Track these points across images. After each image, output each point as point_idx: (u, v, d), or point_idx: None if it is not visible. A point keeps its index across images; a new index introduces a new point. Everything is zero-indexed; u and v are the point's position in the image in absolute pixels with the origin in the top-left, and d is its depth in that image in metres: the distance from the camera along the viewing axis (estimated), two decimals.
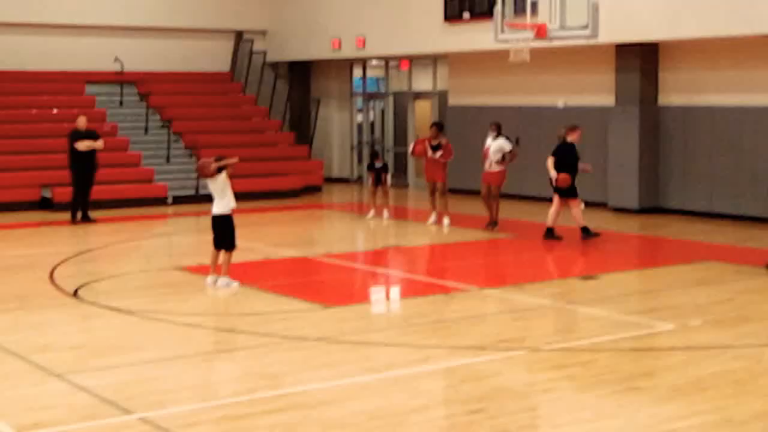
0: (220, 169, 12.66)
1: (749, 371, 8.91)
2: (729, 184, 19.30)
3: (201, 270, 13.43)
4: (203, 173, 12.85)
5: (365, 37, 24.99)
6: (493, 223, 18.28)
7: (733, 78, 19.26)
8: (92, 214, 19.45)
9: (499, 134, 18.12)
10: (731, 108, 19.26)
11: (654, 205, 20.38)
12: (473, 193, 20.61)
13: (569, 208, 16.73)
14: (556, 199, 16.80)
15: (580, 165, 16.79)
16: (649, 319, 10.95)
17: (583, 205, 17.83)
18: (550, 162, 16.57)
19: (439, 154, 18.65)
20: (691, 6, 18.00)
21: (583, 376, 8.75)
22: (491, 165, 18.08)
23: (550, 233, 16.76)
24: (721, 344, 9.88)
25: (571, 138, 16.74)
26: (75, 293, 12.48)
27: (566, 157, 16.58)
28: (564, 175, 16.43)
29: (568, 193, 16.66)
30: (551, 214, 16.82)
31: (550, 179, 16.65)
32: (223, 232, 12.79)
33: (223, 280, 12.74)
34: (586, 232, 16.63)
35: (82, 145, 19.21)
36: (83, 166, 19.31)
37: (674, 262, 14.77)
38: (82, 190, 19.38)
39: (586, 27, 15.86)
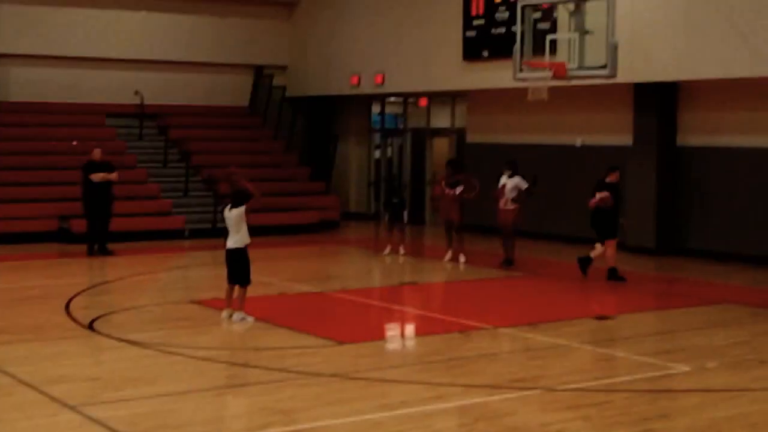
0: (241, 200, 12.70)
1: (766, 415, 8.84)
2: (747, 225, 19.23)
3: (216, 304, 13.43)
4: (231, 180, 12.92)
5: (384, 74, 25.10)
6: (508, 261, 18.27)
7: (752, 119, 19.25)
8: (110, 246, 19.51)
9: (515, 172, 18.15)
10: (749, 149, 19.23)
11: (671, 246, 20.30)
12: (490, 230, 20.60)
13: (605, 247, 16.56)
14: (610, 243, 16.52)
15: (621, 219, 16.77)
16: (665, 361, 10.88)
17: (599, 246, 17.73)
18: (606, 196, 16.36)
19: (459, 189, 18.66)
20: (710, 47, 18.02)
21: (598, 417, 8.69)
22: (507, 203, 18.10)
23: (613, 274, 16.54)
24: (738, 387, 9.81)
25: (610, 179, 16.65)
26: (90, 325, 12.49)
27: (613, 200, 16.50)
28: (605, 193, 16.32)
29: (606, 232, 16.52)
30: (607, 256, 16.58)
31: (602, 226, 16.41)
32: (237, 267, 12.80)
33: (238, 315, 12.75)
34: (613, 274, 16.49)
35: (97, 177, 19.32)
36: (97, 198, 19.41)
37: (691, 304, 14.69)
38: (100, 222, 19.46)
39: (604, 67, 15.90)
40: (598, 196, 16.38)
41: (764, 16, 17.19)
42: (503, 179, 18.23)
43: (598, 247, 16.55)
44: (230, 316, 12.82)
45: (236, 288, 12.82)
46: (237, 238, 12.75)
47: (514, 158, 18.73)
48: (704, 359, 10.92)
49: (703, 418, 8.68)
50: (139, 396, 9.22)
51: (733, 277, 17.45)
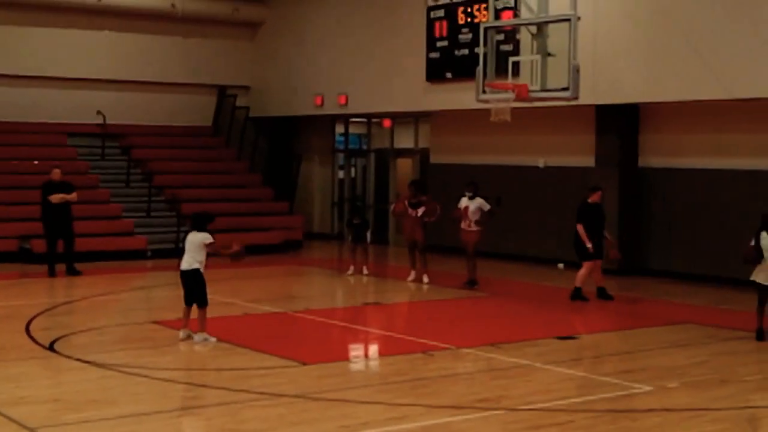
0: (200, 223, 12.76)
1: None
2: (708, 245, 19.39)
3: (178, 325, 13.32)
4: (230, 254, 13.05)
5: (348, 95, 25.14)
6: (471, 282, 18.32)
7: (712, 141, 19.45)
8: (77, 266, 19.39)
9: (475, 194, 18.24)
10: (710, 170, 19.42)
11: (634, 266, 20.42)
12: (453, 251, 20.64)
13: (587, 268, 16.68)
14: (587, 265, 16.64)
15: (612, 252, 16.97)
16: (627, 381, 10.93)
17: (562, 266, 17.85)
18: (581, 229, 16.56)
19: (421, 210, 18.71)
20: (670, 70, 18.20)
21: None
22: (471, 225, 18.18)
23: (576, 294, 16.67)
24: (699, 407, 9.87)
25: (592, 199, 16.78)
26: (51, 346, 12.39)
27: (595, 220, 16.66)
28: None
29: (582, 254, 16.66)
30: (578, 275, 16.73)
31: (581, 247, 16.59)
32: (193, 288, 12.77)
33: (199, 336, 12.70)
34: (577, 293, 16.60)
35: (55, 198, 19.21)
36: (56, 219, 19.28)
37: (653, 324, 14.79)
38: (64, 243, 19.34)
39: (567, 89, 15.99)
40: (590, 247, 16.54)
41: (724, 40, 17.39)
42: (464, 201, 18.32)
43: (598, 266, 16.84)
44: (188, 336, 12.79)
45: (195, 309, 12.79)
46: (191, 259, 12.74)
47: (474, 180, 18.81)
48: (666, 379, 10.98)
49: None
50: (100, 417, 9.14)
51: (695, 297, 17.58)
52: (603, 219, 16.91)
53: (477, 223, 18.20)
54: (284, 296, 18.01)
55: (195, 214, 13.21)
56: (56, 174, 19.59)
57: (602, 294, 16.81)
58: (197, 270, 12.74)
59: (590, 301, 16.57)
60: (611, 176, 20.42)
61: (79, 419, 9.09)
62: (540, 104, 17.80)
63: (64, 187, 19.50)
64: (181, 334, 12.84)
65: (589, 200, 16.80)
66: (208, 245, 12.71)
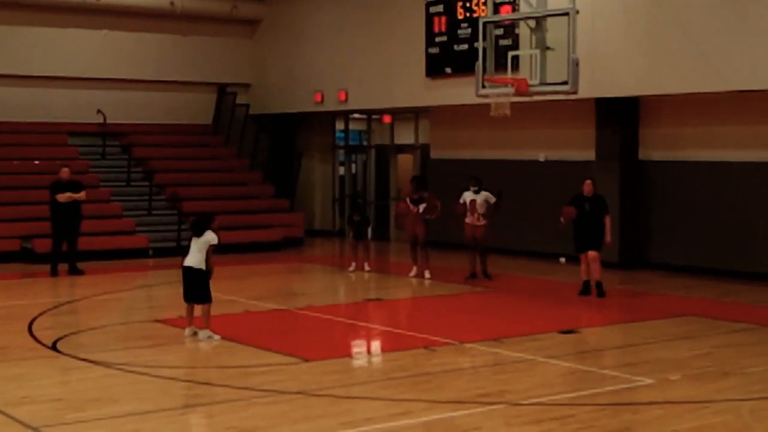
0: (200, 228, 12.72)
1: (728, 426, 8.91)
2: (709, 238, 19.41)
3: (180, 323, 13.37)
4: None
5: (348, 91, 25.14)
6: (474, 275, 18.34)
7: (712, 133, 19.45)
8: (78, 265, 19.41)
9: (480, 188, 18.25)
10: (710, 163, 19.42)
11: (635, 260, 20.44)
12: (455, 246, 20.66)
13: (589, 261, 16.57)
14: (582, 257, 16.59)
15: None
16: (628, 374, 10.95)
17: (563, 260, 17.82)
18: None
19: (422, 207, 18.72)
20: (669, 63, 18.20)
21: (562, 431, 8.73)
22: (479, 219, 18.20)
23: (596, 287, 16.59)
24: (700, 399, 9.88)
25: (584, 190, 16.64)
26: (54, 346, 12.41)
27: (583, 211, 16.53)
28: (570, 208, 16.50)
29: (578, 247, 16.61)
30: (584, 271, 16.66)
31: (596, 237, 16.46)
32: (193, 286, 12.76)
33: (204, 333, 12.71)
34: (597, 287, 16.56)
35: (63, 197, 19.21)
36: (64, 218, 19.30)
37: (654, 317, 14.80)
38: (68, 242, 19.36)
39: (566, 83, 16.00)
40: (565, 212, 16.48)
41: (722, 33, 17.39)
42: (469, 195, 18.32)
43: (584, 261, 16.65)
44: (194, 333, 12.80)
45: (199, 306, 12.80)
46: (196, 259, 12.72)
47: (478, 173, 18.81)
48: (667, 372, 11.00)
49: (666, 430, 8.74)
50: (103, 416, 9.16)
51: (696, 290, 17.59)
52: (594, 211, 16.47)
53: (484, 216, 18.23)
54: (286, 293, 18.02)
55: (194, 220, 13.20)
56: (65, 173, 19.58)
57: (598, 288, 16.55)
58: (201, 270, 12.72)
59: (592, 295, 16.52)
60: (612, 170, 20.42)
61: (82, 418, 9.11)
62: (539, 98, 17.84)
63: (73, 186, 19.52)
64: (187, 332, 12.85)
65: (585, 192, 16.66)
66: (210, 247, 12.69)
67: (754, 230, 18.69)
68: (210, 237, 12.68)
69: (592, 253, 16.41)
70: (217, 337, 12.71)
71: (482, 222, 18.28)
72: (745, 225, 18.85)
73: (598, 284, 16.50)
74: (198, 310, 12.84)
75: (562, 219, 16.67)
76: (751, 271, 18.58)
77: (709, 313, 15.13)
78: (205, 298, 12.77)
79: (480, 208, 18.22)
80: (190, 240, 12.97)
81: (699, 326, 14.03)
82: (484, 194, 18.28)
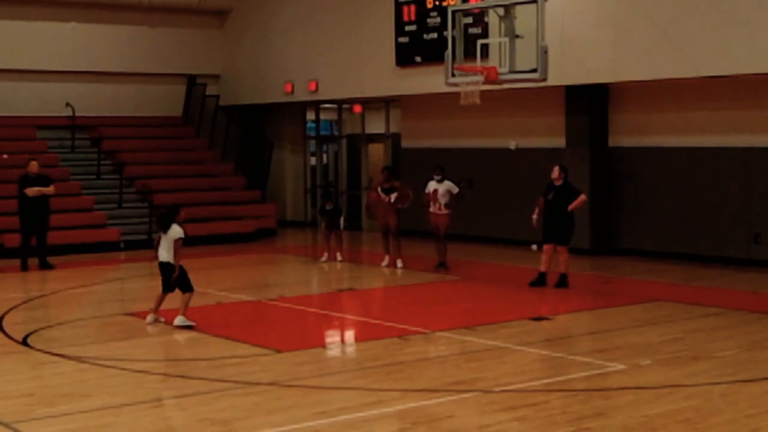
0: (166, 223, 12.74)
1: (699, 411, 8.97)
2: (678, 223, 19.54)
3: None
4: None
5: (318, 81, 25.10)
6: (442, 264, 18.36)
7: (681, 120, 19.57)
8: (49, 259, 19.31)
9: (444, 177, 18.26)
10: (679, 149, 19.54)
11: (605, 246, 20.54)
12: (427, 235, 20.69)
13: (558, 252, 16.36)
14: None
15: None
16: (600, 360, 11.01)
17: (535, 247, 17.83)
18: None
19: (393, 196, 18.71)
20: (638, 49, 18.27)
21: (535, 418, 8.77)
22: (441, 208, 18.22)
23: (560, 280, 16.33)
24: (672, 383, 9.95)
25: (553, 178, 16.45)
26: (24, 340, 12.34)
27: (547, 199, 16.35)
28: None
29: (544, 238, 16.44)
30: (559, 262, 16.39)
31: (561, 230, 16.21)
32: (171, 278, 12.85)
33: (179, 319, 12.75)
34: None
35: (32, 191, 19.08)
36: (33, 212, 19.18)
37: (625, 303, 14.88)
38: (37, 236, 19.25)
39: (535, 70, 16.02)
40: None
41: (689, 20, 17.49)
42: (432, 184, 18.34)
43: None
44: (155, 321, 12.99)
45: (171, 297, 12.83)
46: (166, 253, 12.79)
47: (441, 163, 18.81)
48: (638, 357, 11.07)
49: (638, 415, 8.79)
50: (75, 411, 9.12)
51: (666, 275, 17.70)
52: (558, 201, 16.15)
53: (446, 206, 18.24)
54: (258, 284, 18.00)
55: (159, 216, 13.23)
56: (33, 167, 19.42)
57: (560, 279, 16.30)
58: (171, 264, 12.78)
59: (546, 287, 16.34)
60: (582, 157, 20.52)
61: (53, 413, 9.07)
62: (509, 86, 17.85)
63: (41, 180, 19.38)
64: (149, 318, 13.05)
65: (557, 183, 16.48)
66: (177, 241, 12.72)
67: (722, 215, 18.84)
68: (176, 231, 12.74)
69: (558, 247, 16.31)
70: (191, 323, 12.73)
71: (444, 211, 18.26)
72: (713, 210, 18.98)
73: (563, 275, 16.28)
74: (172, 300, 12.86)
75: (534, 216, 16.46)
76: (720, 255, 18.74)
77: (680, 297, 15.23)
78: (186, 288, 12.84)
79: (442, 198, 18.23)
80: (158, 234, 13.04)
81: (669, 311, 14.12)
82: (447, 184, 18.29)
